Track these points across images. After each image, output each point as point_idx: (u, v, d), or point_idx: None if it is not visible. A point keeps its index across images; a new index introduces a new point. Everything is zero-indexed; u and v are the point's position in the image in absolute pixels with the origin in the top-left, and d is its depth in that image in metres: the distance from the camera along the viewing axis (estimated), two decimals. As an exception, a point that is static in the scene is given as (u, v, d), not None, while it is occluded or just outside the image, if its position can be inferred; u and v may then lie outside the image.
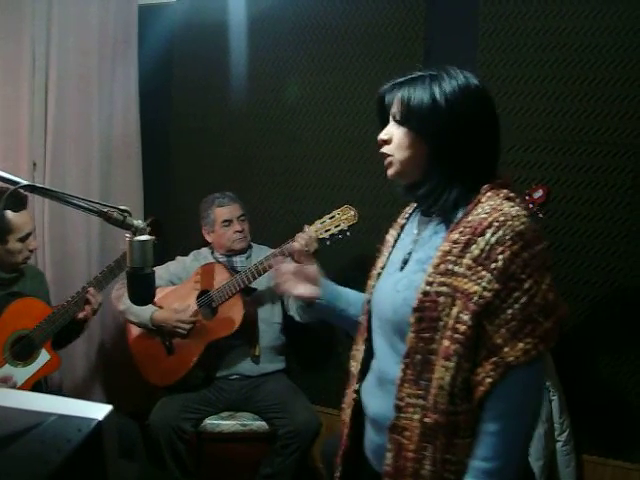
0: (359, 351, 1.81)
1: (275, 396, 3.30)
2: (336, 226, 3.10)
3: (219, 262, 3.43)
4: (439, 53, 3.31)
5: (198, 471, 3.42)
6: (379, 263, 1.80)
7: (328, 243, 3.13)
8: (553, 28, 3.03)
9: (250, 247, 3.53)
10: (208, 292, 3.32)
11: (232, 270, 3.37)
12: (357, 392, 1.79)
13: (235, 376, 3.40)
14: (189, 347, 3.31)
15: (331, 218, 3.12)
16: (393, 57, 3.42)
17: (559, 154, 3.07)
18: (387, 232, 1.88)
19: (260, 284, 3.35)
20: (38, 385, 2.90)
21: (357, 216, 3.09)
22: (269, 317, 3.43)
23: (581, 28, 2.98)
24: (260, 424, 3.31)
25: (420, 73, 1.61)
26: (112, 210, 1.47)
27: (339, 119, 3.60)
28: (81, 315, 2.91)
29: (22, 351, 2.83)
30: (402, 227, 1.82)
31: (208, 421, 3.31)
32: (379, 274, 1.78)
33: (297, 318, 3.35)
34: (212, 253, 3.51)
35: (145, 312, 3.27)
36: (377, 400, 1.68)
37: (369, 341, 1.77)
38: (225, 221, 3.41)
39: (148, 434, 3.20)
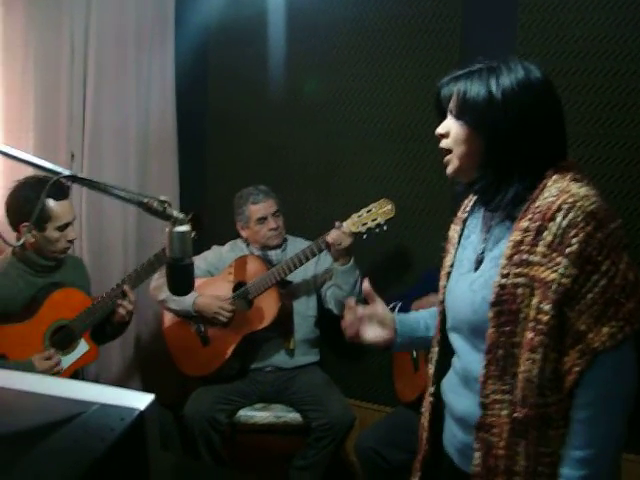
0: (433, 353, 1.79)
1: (309, 389, 3.31)
2: (373, 220, 3.08)
3: (255, 255, 3.43)
4: (476, 45, 3.27)
5: (232, 462, 3.43)
6: (447, 261, 1.76)
7: (365, 237, 3.12)
8: (594, 19, 2.98)
9: (285, 240, 3.52)
10: (244, 284, 3.33)
11: (268, 263, 3.37)
12: (433, 395, 1.77)
13: (269, 368, 3.40)
14: (224, 339, 3.32)
15: (368, 212, 3.11)
16: (430, 49, 3.39)
17: (598, 148, 3.02)
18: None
19: (296, 277, 3.36)
20: (76, 375, 2.93)
21: (394, 210, 3.07)
22: (304, 310, 3.43)
23: (622, 19, 2.93)
24: (294, 416, 3.32)
25: (479, 66, 1.58)
26: (152, 200, 1.47)
27: (375, 111, 3.58)
28: (117, 317, 2.94)
29: (62, 340, 2.86)
30: (464, 222, 1.77)
31: (242, 412, 3.33)
32: (449, 273, 1.74)
33: (335, 311, 3.34)
34: (247, 246, 3.51)
35: (187, 298, 3.26)
36: (463, 399, 1.65)
37: (443, 341, 1.75)
38: (260, 219, 3.39)
39: (183, 425, 3.22)
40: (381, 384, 3.64)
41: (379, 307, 1.88)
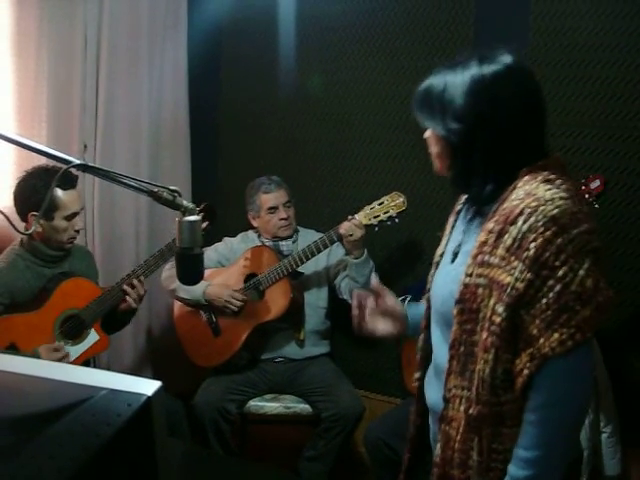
0: (420, 340, 1.82)
1: (319, 380, 3.32)
2: (385, 212, 3.09)
3: (266, 246, 3.44)
4: (489, 37, 3.25)
5: (242, 452, 3.45)
6: (438, 251, 1.79)
7: (376, 230, 3.12)
8: (608, 11, 2.95)
9: (297, 231, 3.52)
10: (256, 275, 3.33)
11: (279, 254, 3.37)
12: (417, 380, 1.81)
13: (280, 359, 3.41)
14: (235, 329, 3.33)
15: (380, 204, 3.11)
16: (443, 41, 3.37)
17: (615, 140, 2.99)
18: (441, 219, 1.87)
19: (307, 268, 3.36)
20: (87, 365, 2.95)
21: (406, 203, 3.07)
22: (315, 301, 3.43)
23: (636, 12, 2.90)
24: (304, 407, 3.33)
25: (443, 66, 1.60)
26: (162, 190, 1.48)
27: (388, 103, 3.58)
28: (123, 306, 2.96)
29: (72, 330, 2.88)
30: (458, 214, 1.79)
31: (252, 403, 3.34)
32: (437, 263, 1.76)
33: (350, 302, 3.33)
34: (259, 237, 3.52)
35: (197, 287, 3.25)
36: (433, 390, 1.69)
37: (428, 330, 1.77)
38: (271, 208, 3.39)
39: (193, 414, 3.23)
40: (391, 375, 3.65)
41: (389, 300, 1.88)
